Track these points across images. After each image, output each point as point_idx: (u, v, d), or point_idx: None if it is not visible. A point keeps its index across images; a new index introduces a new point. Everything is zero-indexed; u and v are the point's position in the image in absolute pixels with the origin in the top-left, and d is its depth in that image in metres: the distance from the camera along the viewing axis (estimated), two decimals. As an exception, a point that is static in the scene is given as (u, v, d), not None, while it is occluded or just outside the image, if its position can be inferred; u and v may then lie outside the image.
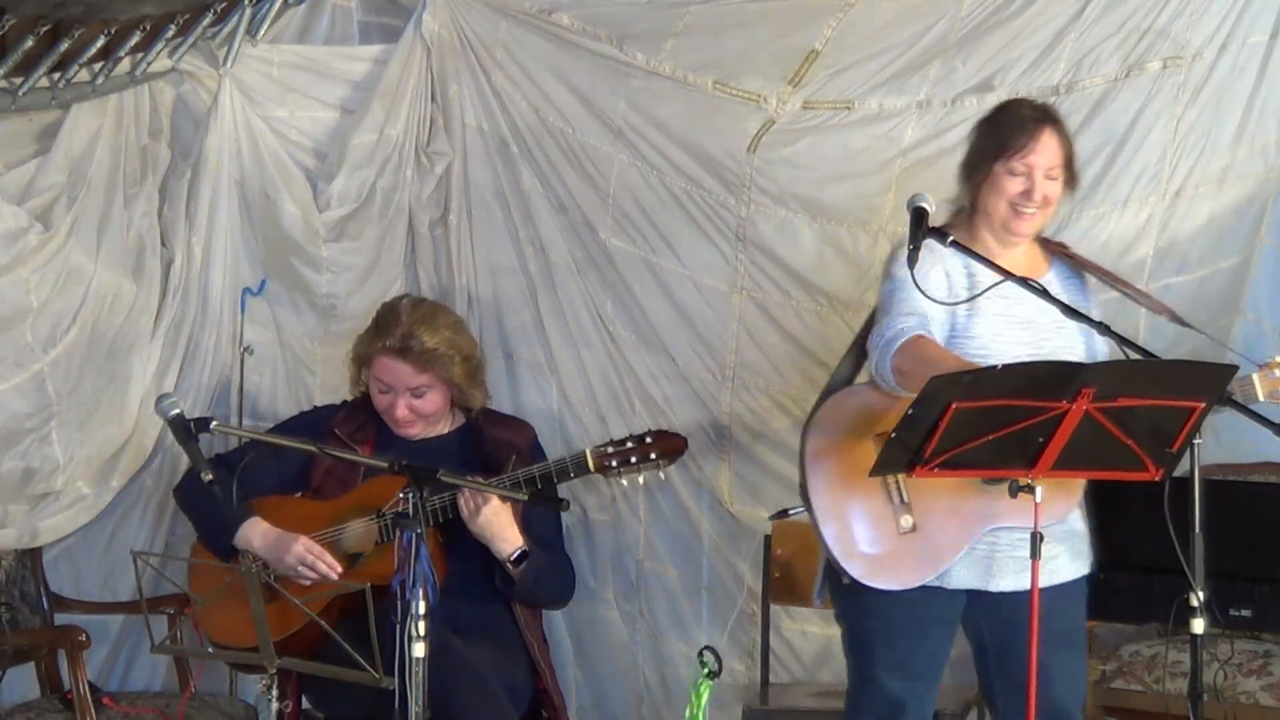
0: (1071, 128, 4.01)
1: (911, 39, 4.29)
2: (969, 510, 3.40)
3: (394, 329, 4.01)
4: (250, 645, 3.46)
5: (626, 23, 4.49)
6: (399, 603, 3.26)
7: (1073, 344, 3.51)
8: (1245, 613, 4.04)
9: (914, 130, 4.26)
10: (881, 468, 3.21)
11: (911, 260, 3.32)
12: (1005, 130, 3.47)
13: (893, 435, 3.12)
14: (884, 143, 4.27)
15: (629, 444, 3.90)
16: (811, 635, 4.48)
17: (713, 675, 3.35)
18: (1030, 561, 3.22)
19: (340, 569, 3.88)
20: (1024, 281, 3.34)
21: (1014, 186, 3.41)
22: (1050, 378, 3.10)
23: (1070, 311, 3.30)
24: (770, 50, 4.40)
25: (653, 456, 3.91)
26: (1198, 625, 3.19)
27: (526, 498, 3.68)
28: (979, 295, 3.43)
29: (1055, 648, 3.45)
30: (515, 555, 3.80)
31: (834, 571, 3.53)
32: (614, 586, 4.59)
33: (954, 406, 3.05)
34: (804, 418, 4.36)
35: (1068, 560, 3.46)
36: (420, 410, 3.98)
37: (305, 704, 4.02)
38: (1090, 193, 4.10)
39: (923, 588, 3.39)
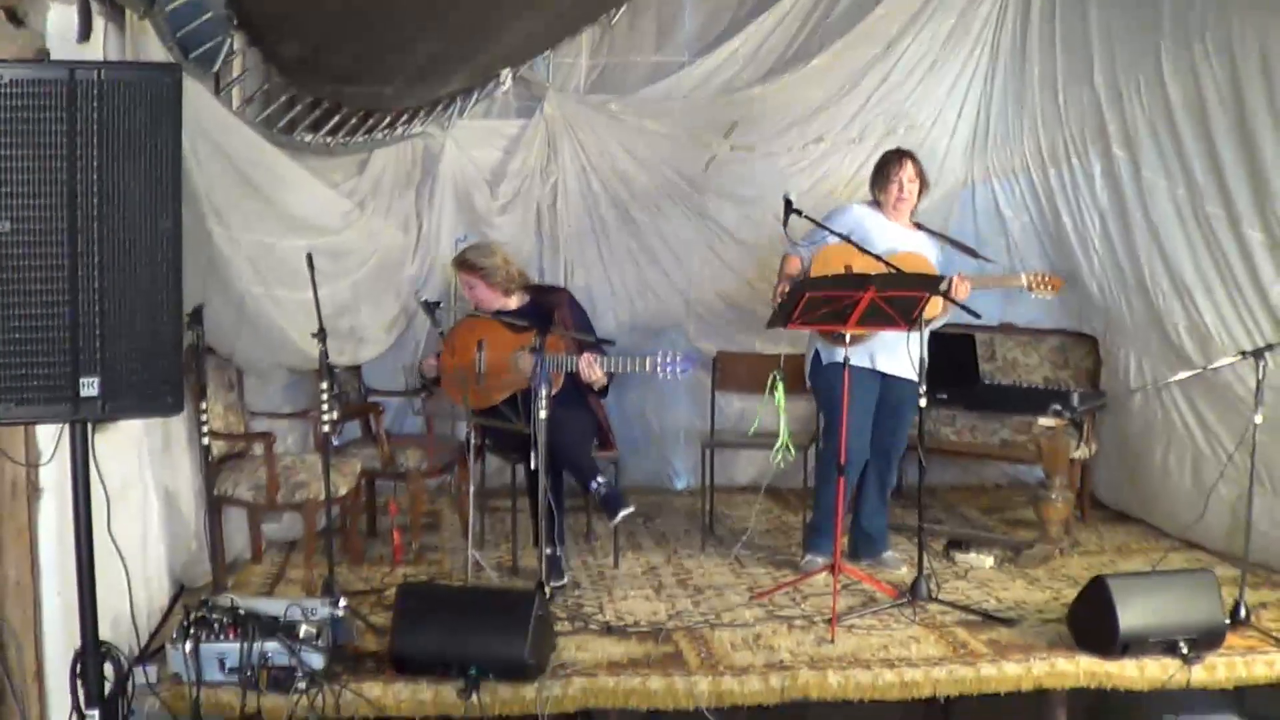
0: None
1: (785, 112, 6.12)
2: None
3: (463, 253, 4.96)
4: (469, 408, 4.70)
5: (647, 105, 6.20)
6: (535, 389, 4.23)
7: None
8: (943, 396, 5.19)
9: (785, 160, 6.24)
10: (772, 324, 4.19)
11: (785, 225, 4.41)
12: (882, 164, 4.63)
13: (775, 308, 4.10)
14: (771, 168, 6.18)
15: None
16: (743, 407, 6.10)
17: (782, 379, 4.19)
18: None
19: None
20: (883, 257, 4.28)
21: (893, 189, 4.55)
22: (854, 281, 4.01)
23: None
24: (716, 119, 6.25)
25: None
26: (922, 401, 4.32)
27: (594, 339, 4.74)
28: (842, 236, 4.44)
29: (893, 414, 4.63)
30: (600, 388, 4.88)
31: (817, 355, 4.64)
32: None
33: (805, 295, 3.98)
34: (740, 305, 6.14)
35: (908, 367, 4.41)
36: (477, 297, 4.98)
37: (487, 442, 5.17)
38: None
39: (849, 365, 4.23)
